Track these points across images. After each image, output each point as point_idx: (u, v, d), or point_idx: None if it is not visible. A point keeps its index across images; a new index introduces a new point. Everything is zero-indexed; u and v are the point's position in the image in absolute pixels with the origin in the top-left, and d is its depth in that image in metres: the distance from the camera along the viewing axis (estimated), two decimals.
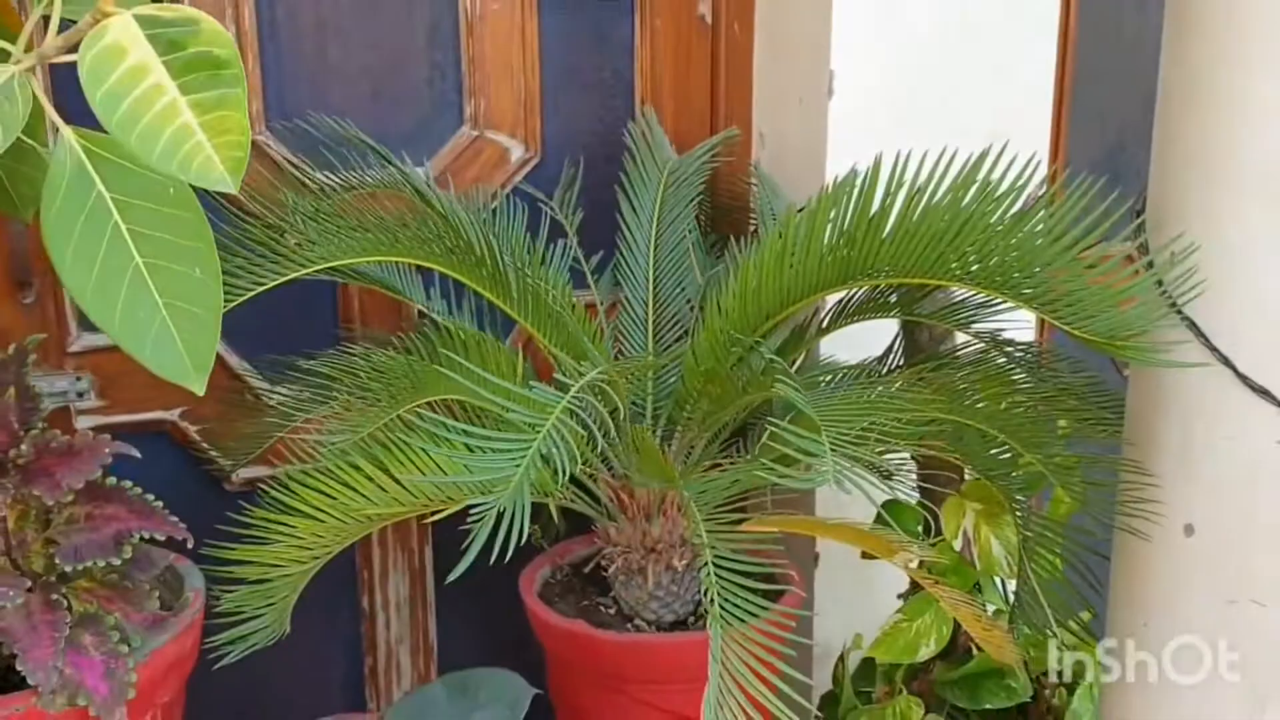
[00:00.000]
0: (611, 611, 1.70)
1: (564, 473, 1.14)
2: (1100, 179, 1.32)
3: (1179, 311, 1.23)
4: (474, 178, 1.98)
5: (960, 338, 1.65)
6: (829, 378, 1.59)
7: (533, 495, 1.26)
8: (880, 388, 1.43)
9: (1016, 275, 1.27)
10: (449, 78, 1.97)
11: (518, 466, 1.12)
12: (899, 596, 1.77)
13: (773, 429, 1.16)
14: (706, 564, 1.23)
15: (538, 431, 1.15)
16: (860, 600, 1.92)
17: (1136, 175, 1.37)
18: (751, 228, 1.96)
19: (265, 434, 1.72)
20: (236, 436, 1.79)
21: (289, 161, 1.85)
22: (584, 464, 1.53)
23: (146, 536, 1.37)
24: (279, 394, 1.71)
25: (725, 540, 1.27)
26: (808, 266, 1.38)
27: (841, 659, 1.80)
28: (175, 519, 1.41)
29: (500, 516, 1.14)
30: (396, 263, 1.60)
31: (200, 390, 1.07)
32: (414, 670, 2.13)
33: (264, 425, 1.71)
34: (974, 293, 1.44)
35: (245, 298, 1.39)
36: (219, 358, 1.91)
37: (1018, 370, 1.61)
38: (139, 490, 1.42)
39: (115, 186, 1.02)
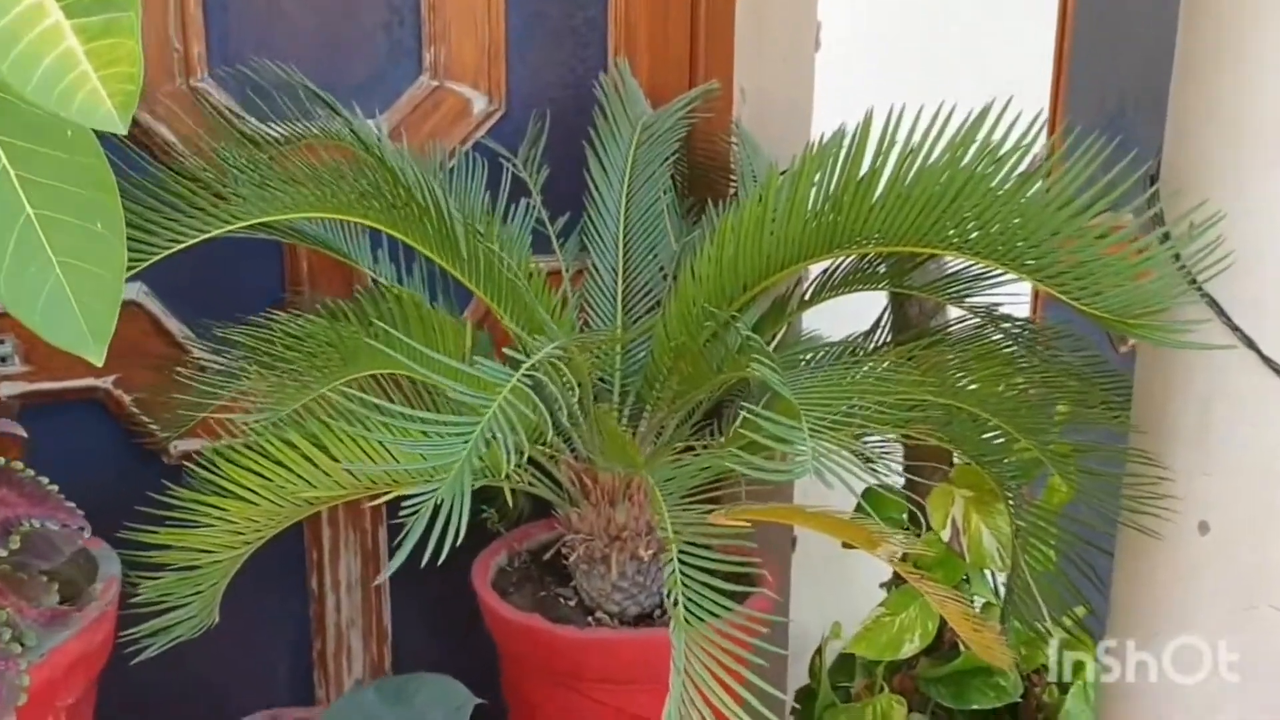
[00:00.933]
0: (572, 603, 1.57)
1: (509, 461, 1.01)
2: (1114, 140, 1.20)
3: (1199, 288, 1.11)
4: (432, 131, 1.84)
5: (953, 312, 1.54)
6: (810, 356, 1.46)
7: (484, 480, 1.14)
8: (866, 367, 1.31)
9: (1020, 244, 1.15)
10: (407, 23, 1.84)
11: (459, 452, 0.99)
12: (882, 586, 1.66)
13: (747, 415, 1.03)
14: (672, 560, 1.11)
15: (483, 413, 1.02)
16: (841, 586, 1.81)
17: (1140, 141, 1.25)
18: (731, 190, 1.83)
19: (201, 405, 1.58)
20: (174, 406, 1.65)
21: (230, 111, 1.71)
22: (544, 444, 1.41)
23: (37, 524, 1.22)
24: (218, 362, 1.58)
25: (693, 533, 1.14)
26: (789, 233, 1.26)
27: (819, 652, 1.69)
28: (72, 505, 1.27)
29: (450, 504, 1.01)
30: (331, 219, 1.45)
31: (99, 362, 0.97)
32: (366, 655, 2.01)
33: (199, 395, 1.58)
34: (971, 263, 1.31)
35: (160, 256, 1.25)
36: (155, 321, 1.78)
37: (1014, 347, 1.49)
38: (31, 473, 1.28)
39: (2, 128, 0.90)
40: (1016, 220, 1.15)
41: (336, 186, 1.30)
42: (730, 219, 1.32)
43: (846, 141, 1.25)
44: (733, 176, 1.84)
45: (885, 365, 1.32)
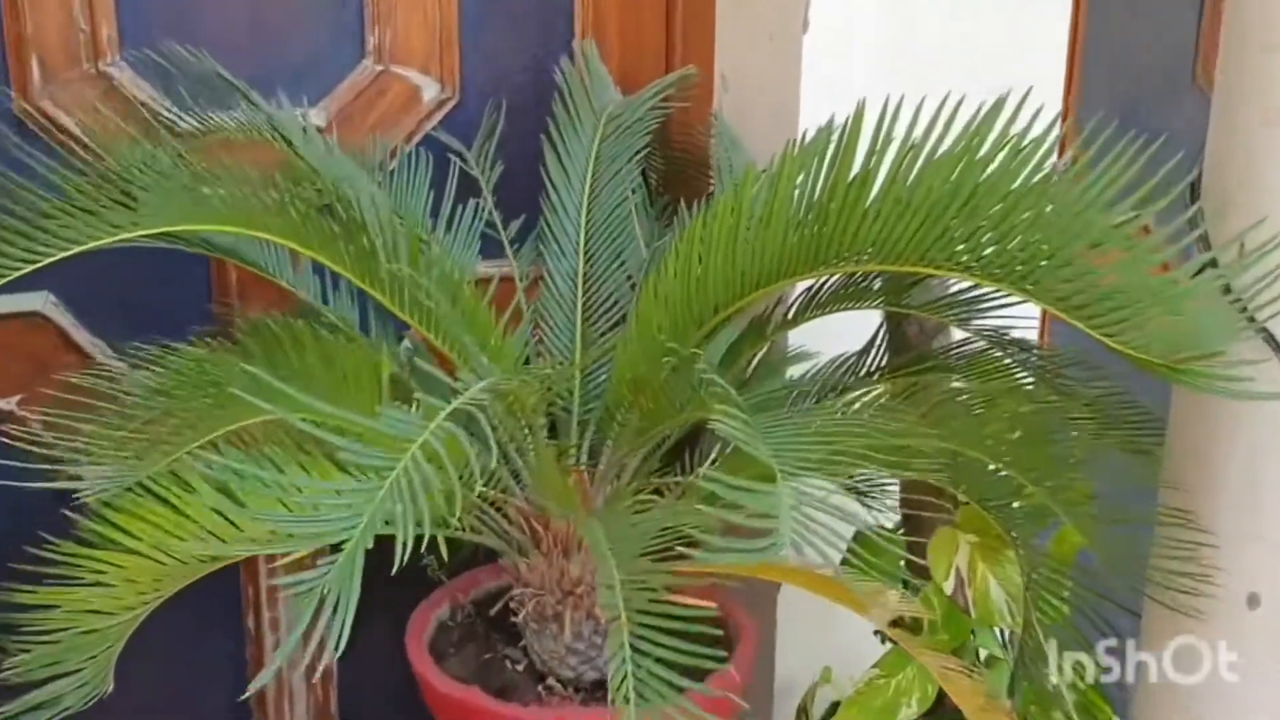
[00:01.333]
0: (520, 667, 1.38)
1: (407, 541, 0.82)
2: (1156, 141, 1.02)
3: (1260, 326, 0.93)
4: (378, 122, 1.65)
5: (957, 333, 1.35)
6: (788, 392, 1.27)
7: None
8: (856, 405, 1.12)
9: (1045, 264, 0.95)
10: (349, 1, 1.64)
11: (350, 529, 0.80)
12: (876, 633, 1.48)
13: (705, 478, 0.84)
14: (622, 645, 0.92)
15: (385, 478, 0.83)
16: (832, 627, 1.64)
17: (1160, 133, 1.07)
18: (710, 189, 1.64)
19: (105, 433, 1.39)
20: (77, 431, 1.46)
21: (136, 99, 1.52)
22: (490, 484, 1.23)
23: None
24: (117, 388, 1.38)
25: (648, 612, 0.95)
26: (767, 247, 1.07)
27: (804, 710, 1.52)
28: None
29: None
30: (195, 233, 1.24)
31: None
32: (310, 697, 1.83)
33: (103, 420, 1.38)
34: (980, 283, 1.12)
35: (21, 273, 1.06)
36: (63, 334, 1.60)
37: (1026, 376, 1.31)
38: None
39: None
40: (1039, 235, 0.96)
41: (215, 192, 1.10)
42: (698, 228, 1.13)
43: (835, 137, 1.06)
44: (712, 173, 1.66)
45: (878, 404, 1.14)
